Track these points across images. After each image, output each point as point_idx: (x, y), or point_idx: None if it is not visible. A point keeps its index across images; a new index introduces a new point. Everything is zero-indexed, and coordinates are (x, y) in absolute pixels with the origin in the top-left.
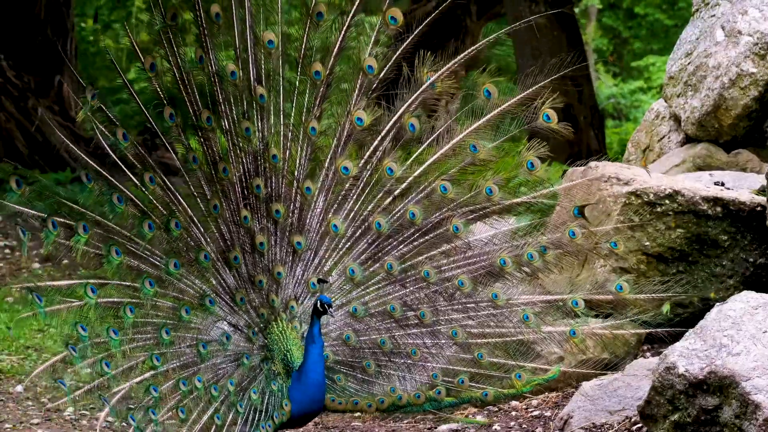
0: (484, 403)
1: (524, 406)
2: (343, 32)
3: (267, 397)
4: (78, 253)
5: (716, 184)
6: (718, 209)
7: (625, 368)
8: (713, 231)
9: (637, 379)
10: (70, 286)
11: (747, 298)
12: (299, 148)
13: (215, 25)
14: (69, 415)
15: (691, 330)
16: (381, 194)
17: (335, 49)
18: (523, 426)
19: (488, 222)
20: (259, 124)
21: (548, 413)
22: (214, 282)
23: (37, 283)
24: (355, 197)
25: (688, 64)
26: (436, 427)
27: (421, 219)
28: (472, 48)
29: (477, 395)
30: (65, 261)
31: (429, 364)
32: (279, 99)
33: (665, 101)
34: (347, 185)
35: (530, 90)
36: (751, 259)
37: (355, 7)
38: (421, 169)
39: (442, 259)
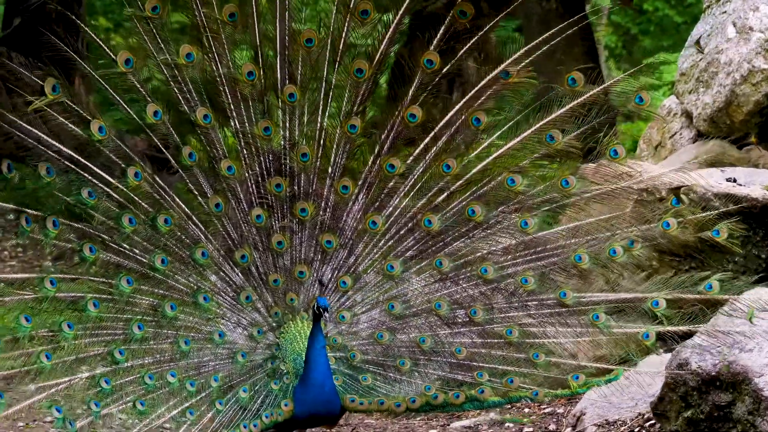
0: (533, 401)
1: (537, 403)
2: (393, 27)
3: (261, 396)
4: (46, 248)
5: (728, 180)
6: (731, 205)
7: (638, 365)
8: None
9: (649, 376)
10: (26, 280)
11: (759, 294)
12: (335, 146)
13: (228, 25)
14: None
15: (703, 326)
16: (433, 191)
17: (383, 46)
18: (536, 423)
19: (564, 215)
20: (287, 124)
21: (561, 410)
22: (213, 279)
23: None
24: (402, 195)
25: (700, 60)
26: (449, 425)
27: (482, 215)
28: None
29: (526, 395)
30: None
31: (475, 363)
32: (316, 96)
33: (677, 98)
34: (391, 183)
35: (623, 76)
36: (764, 256)
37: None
38: (483, 164)
39: (503, 255)
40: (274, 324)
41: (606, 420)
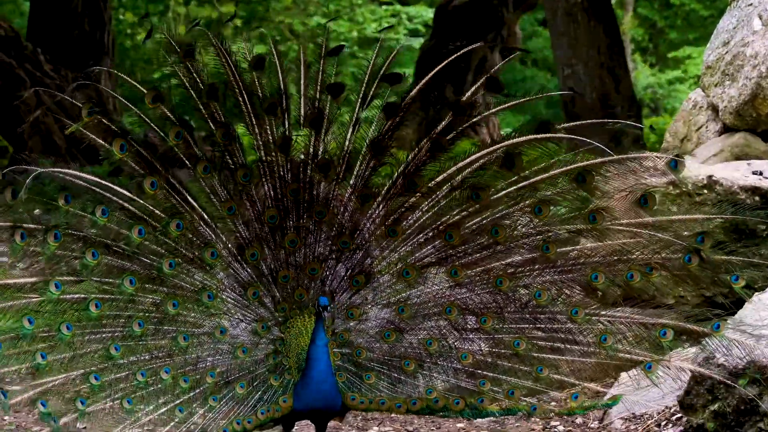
0: (529, 415)
1: (563, 397)
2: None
3: (259, 392)
4: (43, 259)
5: (754, 173)
6: (757, 198)
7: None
8: (751, 221)
9: (676, 370)
10: (33, 284)
11: None
12: (360, 162)
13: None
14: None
15: (729, 320)
16: (457, 210)
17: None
18: (562, 416)
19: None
20: (313, 144)
21: (587, 403)
22: (220, 277)
23: None
24: (425, 209)
25: (726, 53)
26: (474, 418)
27: (504, 236)
28: None
29: (524, 408)
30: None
31: (479, 371)
32: (345, 124)
33: (703, 91)
34: (413, 199)
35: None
36: None
37: None
38: (511, 189)
39: (520, 266)
40: (280, 319)
41: (633, 413)
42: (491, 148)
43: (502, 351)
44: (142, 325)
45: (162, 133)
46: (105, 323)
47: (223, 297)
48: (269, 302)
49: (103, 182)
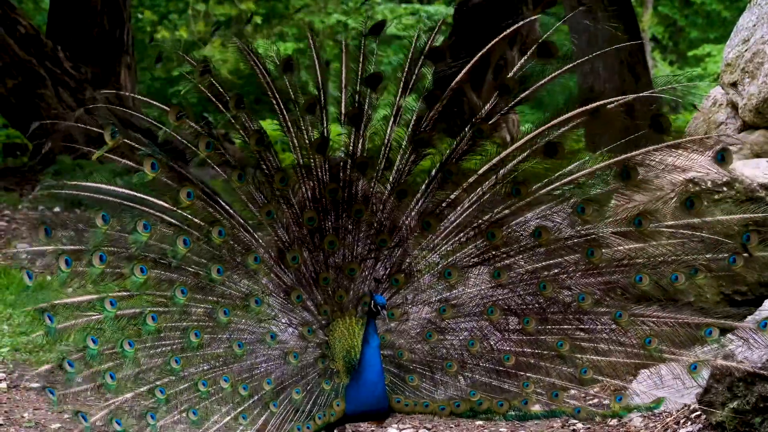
0: (574, 418)
1: (582, 395)
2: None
3: (314, 396)
4: (89, 280)
5: None
6: None
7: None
8: None
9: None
10: (89, 302)
11: None
12: (400, 156)
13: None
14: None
15: (750, 317)
16: (500, 207)
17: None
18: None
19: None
20: (353, 142)
21: (607, 401)
22: (264, 282)
23: (53, 302)
24: (465, 205)
25: (745, 50)
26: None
27: (547, 238)
28: None
29: (568, 410)
30: None
31: (522, 373)
32: (385, 117)
33: (722, 88)
34: (454, 194)
35: None
36: None
37: None
38: (551, 187)
39: (563, 270)
40: (323, 322)
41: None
42: (538, 131)
43: (545, 352)
44: (198, 335)
45: (192, 147)
46: (164, 336)
47: (269, 302)
48: (312, 306)
49: (138, 195)
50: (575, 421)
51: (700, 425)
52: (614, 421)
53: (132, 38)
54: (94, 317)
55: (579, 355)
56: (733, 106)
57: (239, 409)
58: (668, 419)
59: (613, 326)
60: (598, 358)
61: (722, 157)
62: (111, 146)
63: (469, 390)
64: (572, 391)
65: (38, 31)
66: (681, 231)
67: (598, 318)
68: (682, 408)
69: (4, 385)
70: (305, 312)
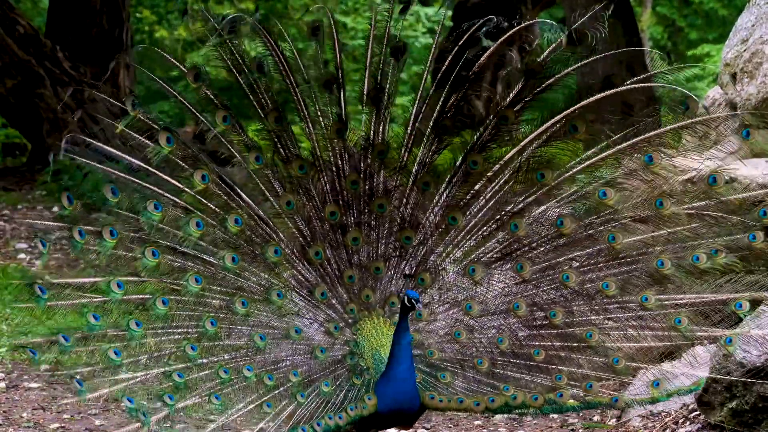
0: (613, 408)
1: (582, 393)
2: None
3: (344, 390)
4: (102, 258)
5: None
6: None
7: (682, 356)
8: None
9: (694, 367)
10: (93, 284)
11: None
12: (423, 145)
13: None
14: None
15: (748, 317)
16: (523, 196)
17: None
18: (581, 414)
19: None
20: (370, 125)
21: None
22: (286, 276)
23: (53, 280)
24: (488, 196)
25: (744, 50)
26: (493, 416)
27: (570, 227)
28: None
29: (605, 400)
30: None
31: (553, 366)
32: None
33: (721, 88)
34: (477, 185)
35: None
36: None
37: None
38: (571, 172)
39: (585, 260)
40: (349, 321)
41: (650, 411)
42: (562, 115)
43: (575, 344)
44: (214, 324)
45: (207, 122)
46: (176, 324)
47: (292, 297)
48: (337, 304)
49: (151, 169)
50: (573, 421)
51: (699, 425)
52: (613, 421)
53: (131, 38)
54: (96, 299)
55: (609, 345)
56: (732, 106)
57: (264, 398)
58: (667, 419)
59: (641, 312)
60: (629, 345)
61: (748, 134)
62: (134, 117)
63: (502, 385)
64: (608, 382)
65: (37, 31)
66: (702, 212)
67: (624, 305)
68: (681, 408)
69: (2, 384)
70: (330, 310)
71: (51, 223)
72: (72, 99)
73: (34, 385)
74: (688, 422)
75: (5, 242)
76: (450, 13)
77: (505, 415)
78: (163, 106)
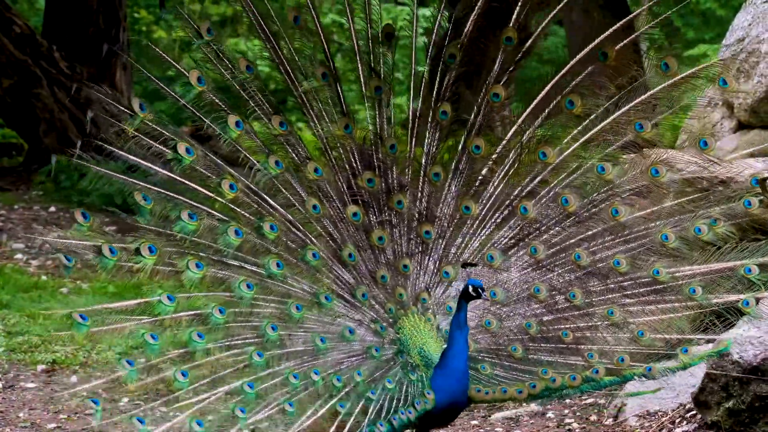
0: (648, 378)
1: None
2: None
3: (405, 386)
4: (143, 275)
5: None
6: None
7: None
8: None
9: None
10: (138, 305)
11: None
12: (427, 135)
13: (296, 30)
14: (123, 405)
15: (744, 317)
16: (528, 178)
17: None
18: (577, 414)
19: (648, 198)
20: (375, 119)
21: (602, 401)
22: (327, 280)
23: (92, 307)
24: (496, 182)
25: (740, 50)
26: (489, 416)
27: (575, 205)
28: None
29: (640, 371)
30: None
31: (583, 346)
32: (404, 86)
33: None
34: (484, 170)
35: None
36: None
37: None
38: (572, 148)
39: (594, 240)
40: (390, 320)
41: (647, 411)
42: (549, 86)
43: (598, 323)
44: (275, 329)
45: (219, 129)
46: (235, 332)
47: (338, 300)
48: (377, 304)
49: (179, 179)
50: (570, 421)
51: (696, 425)
52: (610, 420)
53: (128, 38)
54: (146, 320)
55: (632, 319)
56: (729, 105)
57: (335, 399)
58: (664, 419)
59: (656, 286)
60: (650, 318)
61: (724, 81)
62: (143, 119)
63: (539, 369)
64: (638, 355)
65: (34, 31)
66: (697, 176)
67: (637, 280)
68: (678, 407)
69: None
70: (371, 310)
71: (75, 241)
72: (68, 99)
73: (30, 385)
74: (684, 422)
75: (2, 243)
76: (447, 13)
77: (502, 416)
78: (160, 106)
